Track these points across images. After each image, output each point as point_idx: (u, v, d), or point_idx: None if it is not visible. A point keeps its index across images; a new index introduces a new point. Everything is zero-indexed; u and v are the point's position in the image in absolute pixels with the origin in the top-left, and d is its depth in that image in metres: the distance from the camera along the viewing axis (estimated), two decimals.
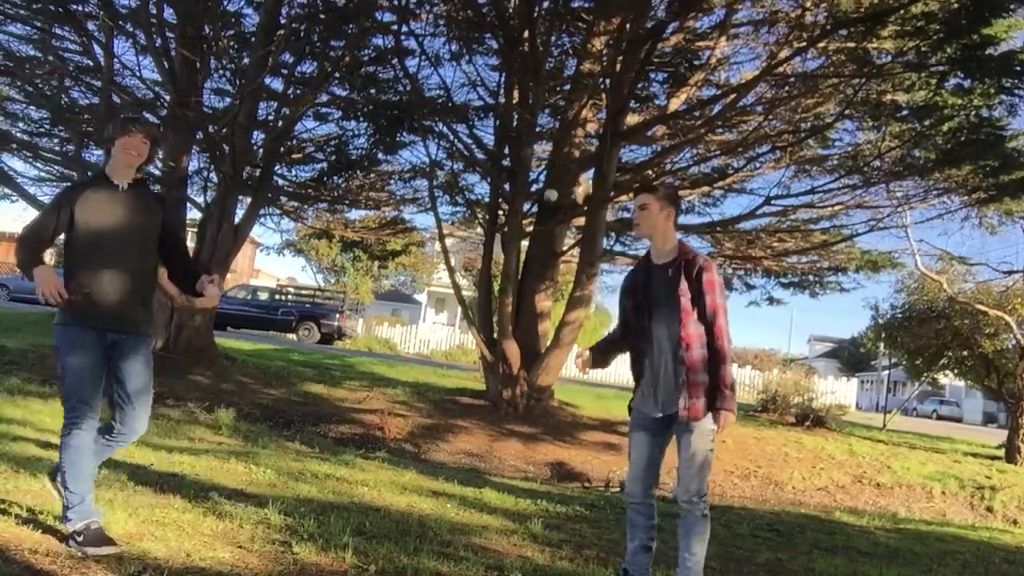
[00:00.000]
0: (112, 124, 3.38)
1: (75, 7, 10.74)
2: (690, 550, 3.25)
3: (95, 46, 11.12)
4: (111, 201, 3.27)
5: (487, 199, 12.86)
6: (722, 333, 3.24)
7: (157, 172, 11.98)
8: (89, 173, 12.00)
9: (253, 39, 11.41)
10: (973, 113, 9.53)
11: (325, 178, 13.99)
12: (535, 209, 12.43)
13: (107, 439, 3.33)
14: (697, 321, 3.24)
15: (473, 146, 12.24)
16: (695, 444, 3.22)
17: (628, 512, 3.44)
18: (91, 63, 11.52)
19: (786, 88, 10.96)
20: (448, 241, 13.96)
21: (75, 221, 3.20)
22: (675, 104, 12.03)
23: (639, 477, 3.38)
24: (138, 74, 11.44)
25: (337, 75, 11.89)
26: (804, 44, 9.72)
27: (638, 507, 3.39)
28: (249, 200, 12.34)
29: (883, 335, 16.52)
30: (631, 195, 12.70)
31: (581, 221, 12.39)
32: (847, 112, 10.57)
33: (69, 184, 3.56)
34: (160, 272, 3.49)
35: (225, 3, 11.55)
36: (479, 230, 14.30)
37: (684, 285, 3.24)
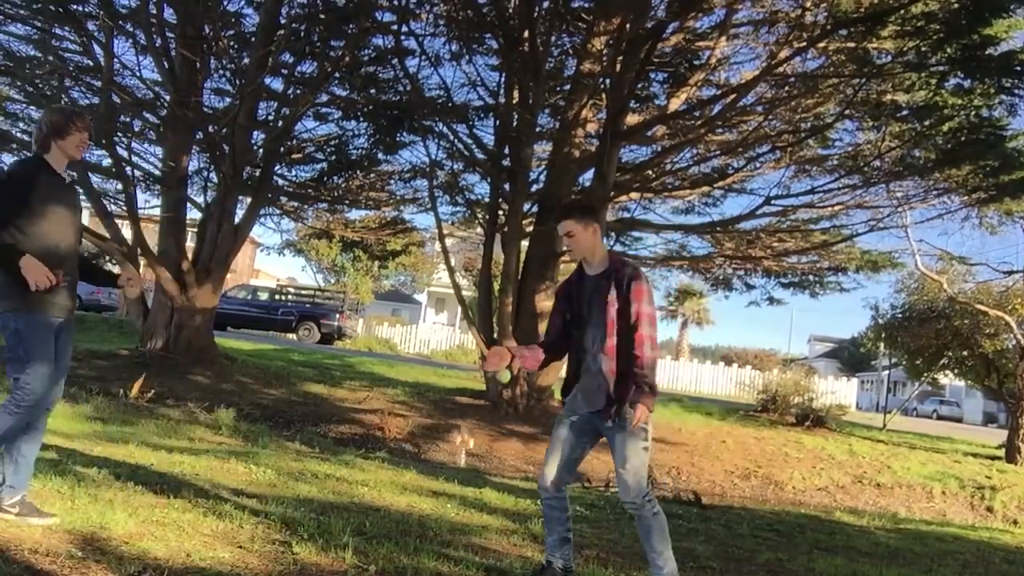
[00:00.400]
0: (56, 115, 3.35)
1: (75, 7, 10.73)
2: (655, 550, 3.26)
3: (95, 46, 11.12)
4: (62, 191, 3.34)
5: (487, 199, 12.86)
6: (643, 340, 3.24)
7: (157, 172, 12.01)
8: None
9: (253, 39, 11.42)
10: (973, 113, 9.53)
11: (325, 178, 13.98)
12: (535, 209, 12.44)
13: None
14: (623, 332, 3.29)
15: (473, 146, 12.25)
16: (628, 446, 3.22)
17: (543, 507, 3.45)
18: (91, 63, 11.51)
19: (786, 88, 10.96)
20: (448, 241, 13.97)
21: (31, 205, 3.18)
22: (675, 104, 12.03)
23: (555, 473, 3.36)
24: (138, 74, 11.46)
25: (337, 75, 11.89)
26: (804, 44, 9.72)
27: (552, 502, 3.40)
28: (249, 200, 12.34)
29: (883, 335, 16.50)
30: (630, 196, 12.82)
31: None
32: (847, 112, 10.58)
33: (13, 165, 3.55)
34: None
35: (225, 3, 11.56)
36: (479, 230, 14.31)
37: (613, 295, 3.28)
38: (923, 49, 9.10)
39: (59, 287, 3.24)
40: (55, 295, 3.27)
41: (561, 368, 12.64)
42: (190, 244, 12.52)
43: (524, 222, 11.90)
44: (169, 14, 10.75)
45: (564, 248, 3.51)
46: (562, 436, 3.40)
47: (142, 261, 11.52)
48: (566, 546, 3.43)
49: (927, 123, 10.03)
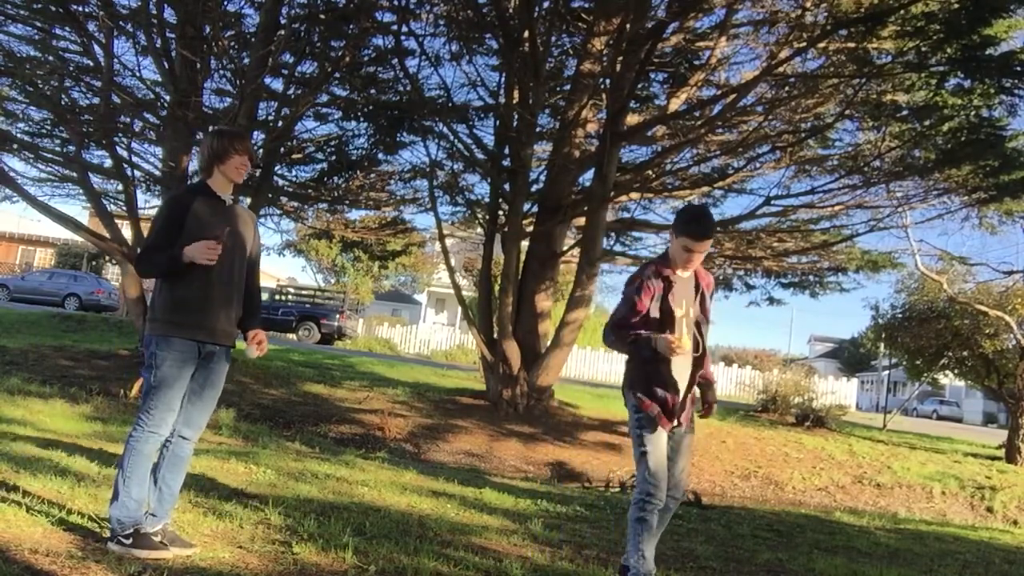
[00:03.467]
0: (217, 139, 3.33)
1: (75, 7, 10.73)
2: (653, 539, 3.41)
3: (95, 46, 11.11)
4: (221, 215, 3.30)
5: (487, 199, 12.86)
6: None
7: (157, 172, 12.01)
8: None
9: (253, 39, 11.41)
10: (973, 113, 9.52)
11: (325, 178, 13.98)
12: (535, 209, 12.44)
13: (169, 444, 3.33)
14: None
15: (473, 146, 12.25)
16: (690, 448, 3.48)
17: (649, 515, 3.28)
18: (91, 63, 11.51)
19: (786, 88, 10.95)
20: (448, 241, 13.96)
21: (188, 231, 3.20)
22: (675, 104, 12.03)
23: (665, 479, 3.32)
24: (138, 74, 11.44)
25: (337, 75, 11.88)
26: (804, 44, 9.72)
27: (659, 508, 3.31)
28: (249, 200, 12.33)
29: (883, 335, 16.50)
30: (630, 196, 12.81)
31: (581, 221, 12.39)
32: (847, 112, 10.57)
33: (176, 193, 3.48)
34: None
35: (225, 3, 11.55)
36: (479, 230, 14.31)
37: (709, 304, 3.46)
38: (923, 49, 9.09)
39: (215, 311, 3.22)
40: (206, 318, 3.22)
41: (560, 369, 12.57)
42: None
43: (524, 222, 11.90)
44: (169, 14, 10.74)
45: (690, 261, 3.34)
46: (662, 442, 3.33)
47: None
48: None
49: (927, 123, 10.02)
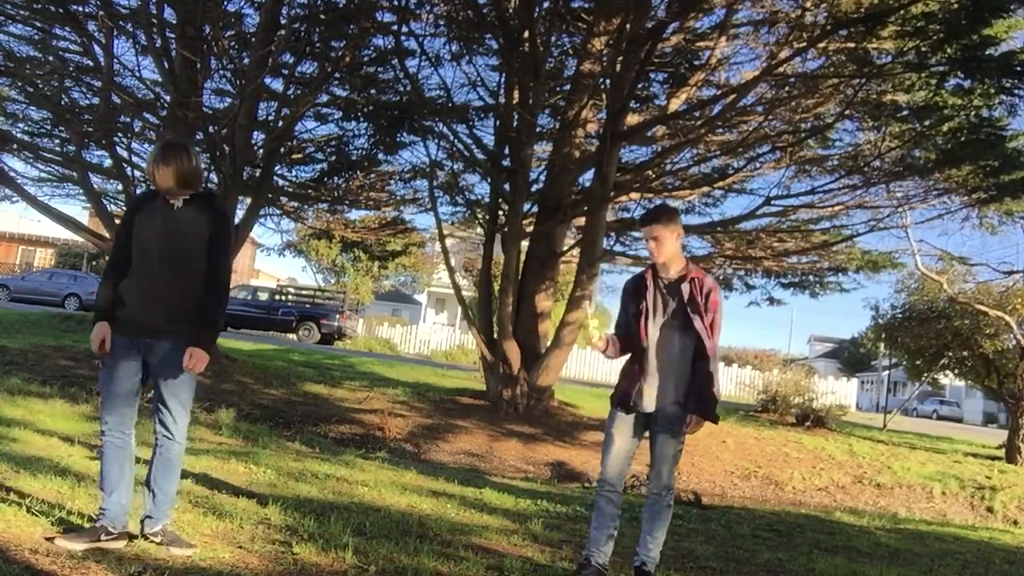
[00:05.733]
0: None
1: (75, 7, 10.73)
2: (654, 534, 3.54)
3: (95, 46, 11.12)
4: (159, 217, 3.31)
5: (487, 199, 12.86)
6: (714, 351, 3.49)
7: None
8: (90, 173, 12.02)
9: (253, 39, 11.41)
10: (973, 113, 9.52)
11: (325, 178, 13.97)
12: (535, 209, 12.43)
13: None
14: (709, 337, 3.47)
15: (473, 146, 12.24)
16: (676, 443, 3.51)
17: (599, 502, 3.54)
18: (91, 63, 11.51)
19: (786, 88, 10.95)
20: (448, 241, 13.95)
21: (133, 236, 3.32)
22: (675, 104, 12.03)
23: (620, 467, 3.54)
24: (138, 74, 11.44)
25: (337, 75, 11.88)
26: (804, 44, 9.71)
27: (613, 495, 3.53)
28: (249, 200, 12.33)
29: (883, 335, 16.51)
30: (630, 196, 12.82)
31: (581, 221, 12.39)
32: (847, 112, 10.57)
33: (132, 199, 3.61)
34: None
35: (225, 3, 11.55)
36: (479, 230, 14.31)
37: (698, 302, 3.46)
38: (923, 49, 9.08)
39: (134, 306, 3.24)
40: (128, 313, 3.24)
41: (561, 369, 12.60)
42: None
43: (524, 222, 11.89)
44: (169, 14, 10.74)
45: (648, 252, 3.60)
46: (624, 431, 3.54)
47: None
48: (611, 543, 3.56)
49: (927, 123, 10.02)
